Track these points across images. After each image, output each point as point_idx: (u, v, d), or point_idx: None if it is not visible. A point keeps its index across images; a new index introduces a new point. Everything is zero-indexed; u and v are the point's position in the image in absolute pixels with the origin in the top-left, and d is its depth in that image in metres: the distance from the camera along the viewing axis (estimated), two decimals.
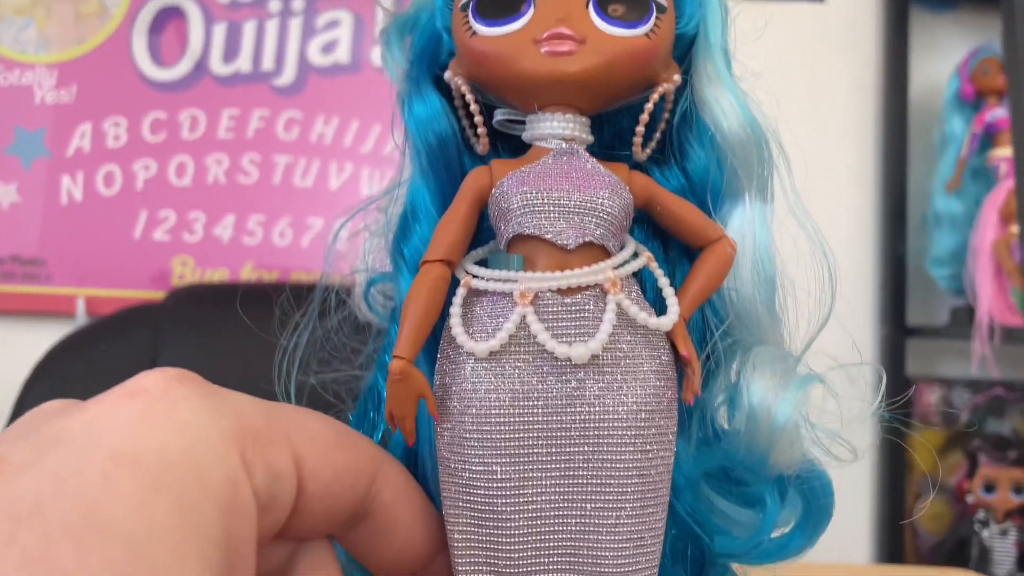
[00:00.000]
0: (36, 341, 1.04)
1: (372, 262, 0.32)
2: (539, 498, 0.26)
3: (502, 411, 0.26)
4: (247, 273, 1.40)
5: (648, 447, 0.26)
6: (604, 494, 0.26)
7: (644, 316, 0.26)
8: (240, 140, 1.41)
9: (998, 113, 1.40)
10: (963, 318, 1.43)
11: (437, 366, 0.27)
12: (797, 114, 0.30)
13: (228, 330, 0.78)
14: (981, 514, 1.43)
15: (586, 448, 0.26)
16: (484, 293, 0.27)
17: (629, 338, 0.26)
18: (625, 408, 0.26)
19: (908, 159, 1.54)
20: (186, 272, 1.39)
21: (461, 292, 0.27)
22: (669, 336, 0.27)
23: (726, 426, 0.30)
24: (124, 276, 1.36)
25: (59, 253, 1.36)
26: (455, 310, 0.27)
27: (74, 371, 0.94)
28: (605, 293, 0.26)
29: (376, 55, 1.38)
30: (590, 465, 0.26)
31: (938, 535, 1.52)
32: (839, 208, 1.54)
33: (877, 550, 1.53)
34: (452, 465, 0.27)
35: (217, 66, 1.41)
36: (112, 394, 0.20)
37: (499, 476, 0.26)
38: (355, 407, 0.32)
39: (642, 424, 0.26)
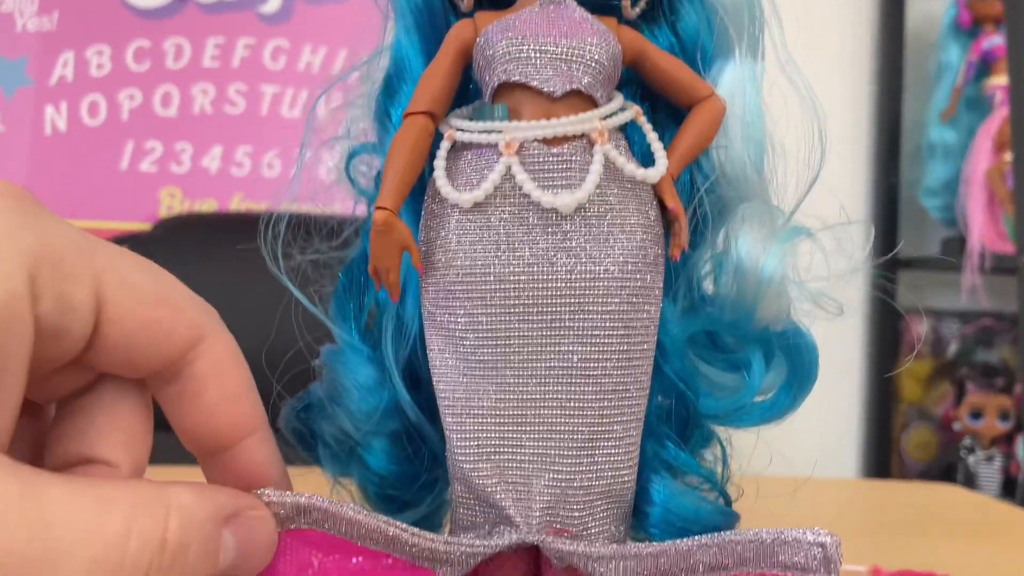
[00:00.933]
0: None
1: (354, 132, 0.32)
2: (525, 349, 0.26)
3: (487, 262, 0.26)
4: (236, 205, 1.39)
5: (634, 299, 0.26)
6: (590, 345, 0.26)
7: (632, 167, 0.26)
8: (226, 69, 1.39)
9: (995, 40, 1.38)
10: (954, 248, 1.44)
11: (421, 222, 0.27)
12: (791, 44, 0.29)
13: (216, 261, 0.77)
14: (967, 441, 1.45)
15: (572, 300, 0.26)
16: (469, 146, 0.26)
17: (616, 190, 0.26)
18: (611, 260, 0.26)
19: (903, 89, 1.53)
20: (174, 204, 1.37)
21: (445, 145, 0.26)
22: (656, 191, 0.27)
23: (711, 291, 0.30)
24: (111, 207, 1.35)
25: (45, 184, 1.35)
26: (439, 163, 0.26)
27: None
28: (592, 144, 0.26)
29: None
30: (576, 317, 0.26)
31: (924, 463, 1.54)
32: (832, 139, 1.52)
33: (864, 478, 1.55)
34: (438, 318, 0.27)
35: None
36: None
37: (485, 326, 0.26)
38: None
39: (628, 277, 0.26)
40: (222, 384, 0.25)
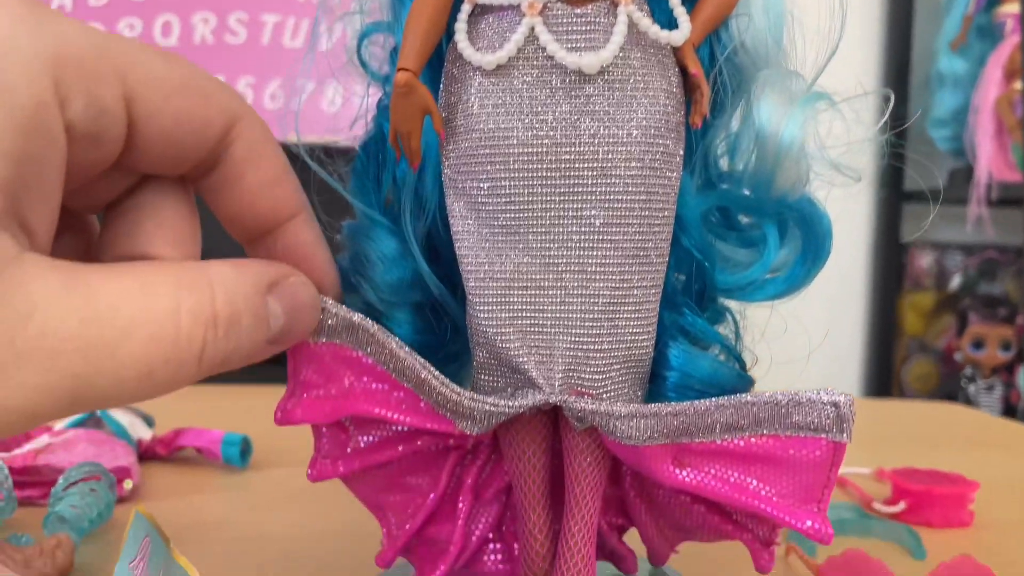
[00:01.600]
0: None
1: (367, 8, 0.31)
2: (547, 214, 0.26)
3: (510, 126, 0.26)
4: None
5: (656, 165, 0.26)
6: (612, 210, 0.26)
7: (655, 29, 0.26)
8: None
9: None
10: (961, 180, 1.43)
11: (442, 87, 0.27)
12: None
13: None
14: (968, 370, 1.46)
15: (594, 164, 0.26)
16: (490, 9, 0.26)
17: (639, 55, 0.26)
18: (634, 124, 0.26)
19: (914, 18, 1.50)
20: None
21: (466, 8, 0.26)
22: (678, 58, 0.27)
23: (727, 168, 0.30)
24: None
25: None
26: (460, 26, 0.26)
27: None
28: (616, 5, 0.26)
29: None
30: (599, 181, 0.26)
31: (925, 393, 1.56)
32: (840, 70, 1.50)
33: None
34: (460, 184, 0.27)
35: None
36: None
37: (508, 191, 0.26)
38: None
39: (651, 142, 0.26)
40: (260, 167, 0.25)
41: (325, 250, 0.27)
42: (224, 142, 0.24)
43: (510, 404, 0.27)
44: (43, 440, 0.47)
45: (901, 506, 0.48)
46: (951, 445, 0.70)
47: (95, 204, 0.25)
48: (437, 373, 0.26)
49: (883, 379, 1.57)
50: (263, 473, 0.54)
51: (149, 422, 0.57)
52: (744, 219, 0.30)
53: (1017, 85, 1.29)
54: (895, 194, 1.55)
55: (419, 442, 0.29)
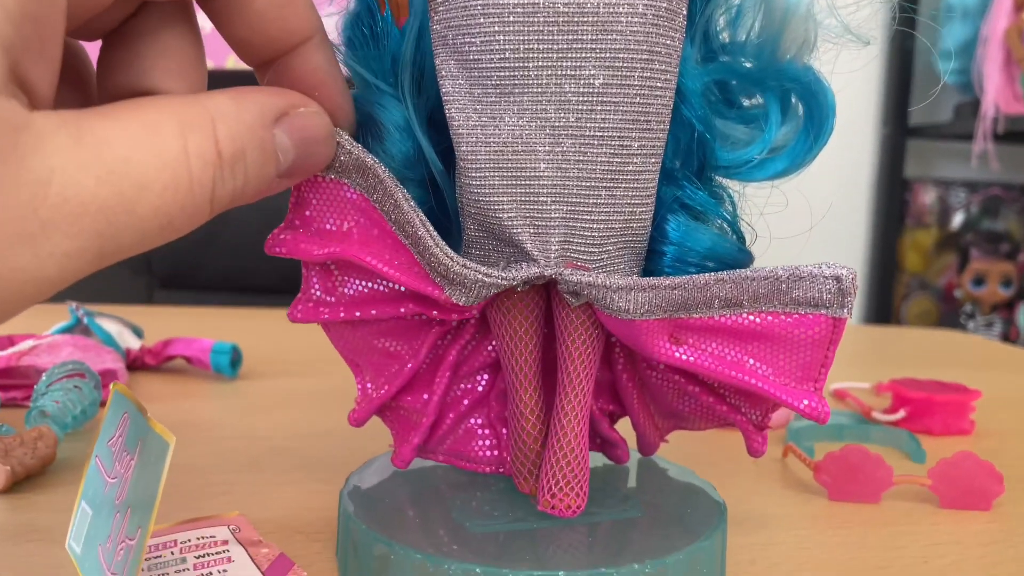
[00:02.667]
0: None
1: None
2: (544, 72, 0.25)
3: None
4: (231, 65, 1.35)
5: (659, 23, 0.25)
6: (613, 69, 0.25)
7: None
8: None
9: None
10: (967, 114, 1.41)
11: None
12: None
13: None
14: (967, 307, 1.46)
15: (594, 18, 0.24)
16: None
17: None
18: None
19: None
20: None
21: None
22: None
23: (729, 39, 0.28)
24: None
25: None
26: None
27: None
28: None
29: None
30: (600, 38, 0.24)
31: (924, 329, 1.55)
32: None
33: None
34: (450, 40, 0.25)
35: None
36: None
37: (501, 46, 0.24)
38: None
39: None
40: None
41: (340, 77, 0.26)
42: None
43: (503, 275, 0.26)
44: (27, 344, 0.46)
45: (901, 414, 0.47)
46: (951, 365, 0.70)
47: (92, 33, 0.23)
48: (435, 234, 0.25)
49: (882, 316, 1.57)
50: (253, 382, 0.53)
51: (138, 332, 0.56)
52: (745, 100, 0.29)
53: None
54: (899, 129, 1.52)
55: (402, 308, 0.28)
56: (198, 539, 0.29)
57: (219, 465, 0.38)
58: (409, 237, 0.26)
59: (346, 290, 0.28)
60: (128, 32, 0.23)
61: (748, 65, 0.28)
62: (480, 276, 0.25)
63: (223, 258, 1.11)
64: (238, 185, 0.21)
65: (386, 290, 0.27)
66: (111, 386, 0.26)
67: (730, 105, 0.29)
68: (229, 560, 0.27)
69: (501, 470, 0.31)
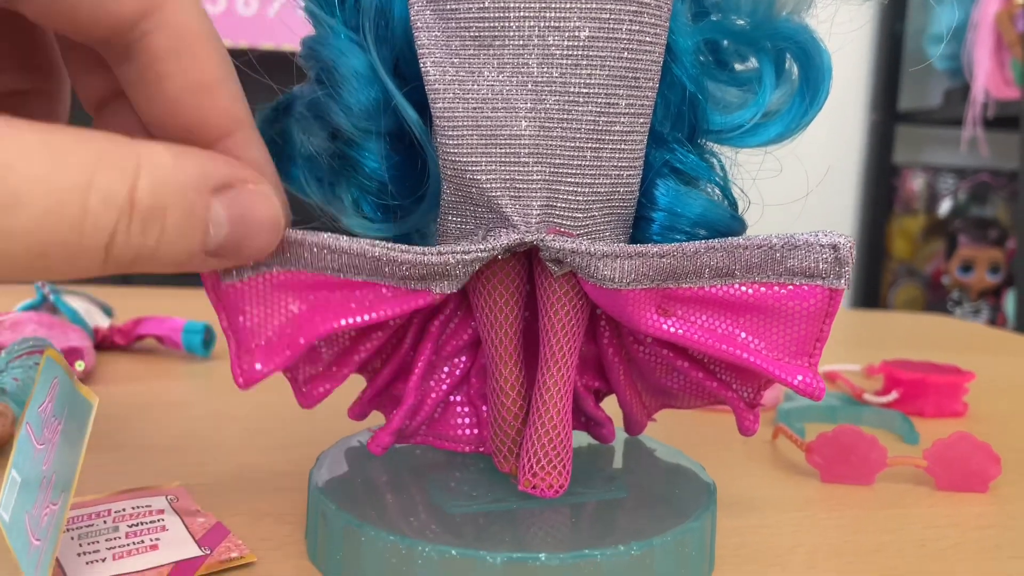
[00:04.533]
0: None
1: None
2: (527, 23, 0.23)
3: None
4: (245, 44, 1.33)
5: None
6: (600, 21, 0.23)
7: None
8: None
9: None
10: (957, 99, 1.40)
11: None
12: None
13: None
14: (955, 294, 1.45)
15: None
16: None
17: None
18: None
19: None
20: None
21: None
22: None
23: None
24: None
25: None
26: None
27: None
28: None
29: None
30: None
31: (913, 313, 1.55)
32: None
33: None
34: None
35: None
36: None
37: None
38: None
39: None
40: (185, 68, 0.21)
41: (271, 175, 0.23)
42: (138, 29, 0.20)
43: (482, 247, 0.24)
44: None
45: (893, 395, 0.46)
46: (941, 349, 0.69)
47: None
48: (391, 244, 0.23)
49: (870, 303, 1.56)
50: (226, 363, 0.51)
51: (107, 311, 0.54)
52: (737, 63, 0.27)
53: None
54: (888, 115, 1.51)
55: (391, 321, 0.26)
56: (133, 508, 0.28)
57: (188, 445, 0.36)
58: (364, 270, 0.23)
59: (333, 354, 0.26)
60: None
61: (741, 23, 0.26)
62: (459, 255, 0.24)
63: None
64: (148, 244, 0.18)
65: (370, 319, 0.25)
66: (45, 355, 0.25)
67: (722, 67, 0.27)
68: (163, 529, 0.26)
69: (481, 449, 0.29)
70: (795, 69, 0.27)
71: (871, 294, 1.54)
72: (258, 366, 0.23)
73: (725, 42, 0.27)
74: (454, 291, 0.24)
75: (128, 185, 0.18)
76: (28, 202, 0.16)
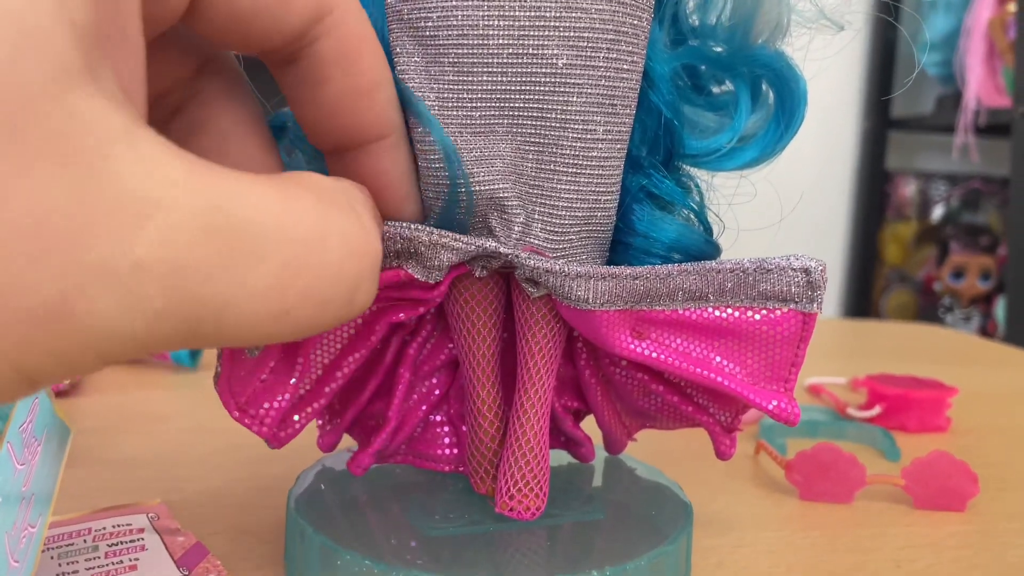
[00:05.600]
0: None
1: None
2: (504, 51, 0.23)
3: None
4: None
5: (626, 1, 0.23)
6: (577, 49, 0.23)
7: None
8: None
9: None
10: (949, 106, 1.40)
11: None
12: None
13: None
14: (946, 300, 1.46)
15: None
16: None
17: None
18: None
19: None
20: None
21: None
22: None
23: (698, 23, 0.27)
24: None
25: None
26: None
27: None
28: None
29: None
30: (563, 16, 0.23)
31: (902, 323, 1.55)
32: None
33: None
34: (404, 14, 0.23)
35: None
36: None
37: (459, 22, 0.23)
38: None
39: None
40: (348, 73, 0.21)
41: (409, 181, 0.23)
42: (309, 35, 0.20)
43: (462, 240, 0.24)
44: None
45: (876, 410, 0.46)
46: (929, 360, 0.69)
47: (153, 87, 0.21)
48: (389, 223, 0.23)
49: (861, 309, 1.57)
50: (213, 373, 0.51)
51: None
52: (714, 87, 0.28)
53: (1010, 7, 1.25)
54: (881, 121, 1.52)
55: (372, 337, 0.26)
56: (114, 527, 0.28)
57: (169, 457, 0.36)
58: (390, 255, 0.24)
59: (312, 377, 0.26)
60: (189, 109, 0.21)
61: (718, 50, 0.26)
62: (435, 236, 0.23)
63: None
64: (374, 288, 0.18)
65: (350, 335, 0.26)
66: None
67: (699, 91, 0.27)
68: (143, 549, 0.26)
69: (460, 469, 0.29)
70: (771, 94, 0.27)
71: (863, 300, 1.54)
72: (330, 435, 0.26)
73: (703, 67, 0.27)
74: (428, 280, 0.24)
75: (360, 227, 0.17)
76: (272, 254, 0.15)
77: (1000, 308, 1.39)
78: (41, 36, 0.12)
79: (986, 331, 1.43)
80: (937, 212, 1.55)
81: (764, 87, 0.27)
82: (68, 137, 0.12)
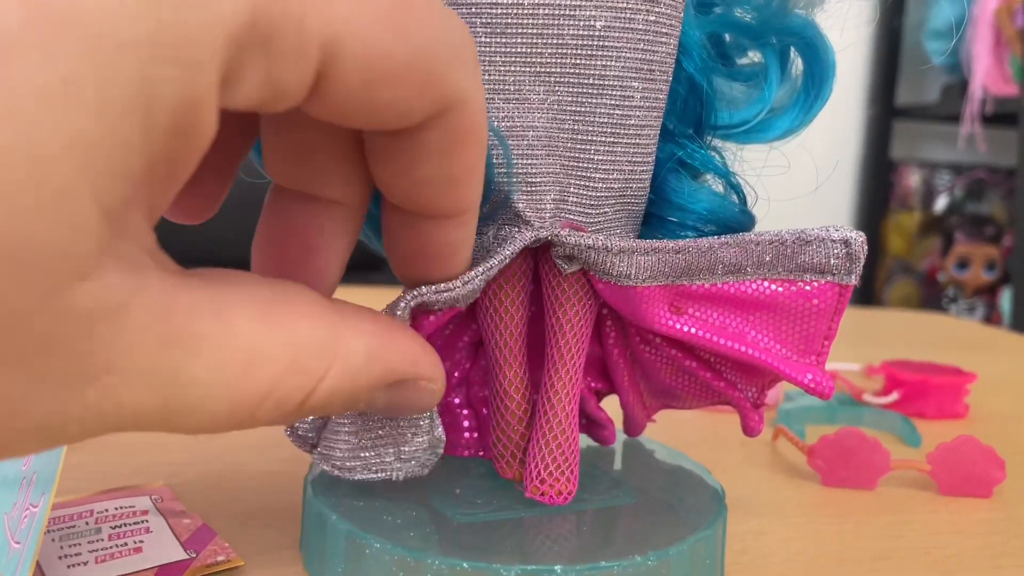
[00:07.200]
0: None
1: None
2: (539, 11, 0.22)
3: None
4: None
5: None
6: (615, 10, 0.22)
7: None
8: None
9: None
10: (955, 95, 1.39)
11: None
12: None
13: None
14: (950, 291, 1.45)
15: None
16: None
17: None
18: None
19: None
20: None
21: None
22: None
23: None
24: None
25: None
26: None
27: None
28: None
29: None
30: None
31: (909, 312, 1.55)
32: None
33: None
34: None
35: None
36: None
37: None
38: None
39: None
40: (443, 164, 0.19)
41: (466, 255, 0.22)
42: (420, 128, 0.18)
43: (500, 257, 0.23)
44: None
45: (894, 396, 0.45)
46: (938, 348, 0.68)
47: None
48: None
49: (864, 299, 1.56)
50: None
51: None
52: (741, 59, 0.27)
53: None
54: (886, 110, 1.51)
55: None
56: (116, 509, 0.27)
57: (174, 441, 0.35)
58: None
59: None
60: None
61: (748, 17, 0.25)
62: (483, 276, 0.22)
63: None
64: (299, 416, 0.18)
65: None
66: None
67: (725, 61, 0.26)
68: (147, 531, 0.25)
69: (481, 454, 0.28)
70: (799, 64, 0.26)
71: (866, 290, 1.54)
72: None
73: (727, 36, 0.26)
74: (469, 303, 0.23)
75: (304, 394, 0.17)
76: (203, 410, 0.16)
77: (1005, 298, 1.38)
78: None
79: (991, 322, 1.43)
80: (941, 202, 1.54)
81: (792, 57, 0.26)
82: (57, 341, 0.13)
